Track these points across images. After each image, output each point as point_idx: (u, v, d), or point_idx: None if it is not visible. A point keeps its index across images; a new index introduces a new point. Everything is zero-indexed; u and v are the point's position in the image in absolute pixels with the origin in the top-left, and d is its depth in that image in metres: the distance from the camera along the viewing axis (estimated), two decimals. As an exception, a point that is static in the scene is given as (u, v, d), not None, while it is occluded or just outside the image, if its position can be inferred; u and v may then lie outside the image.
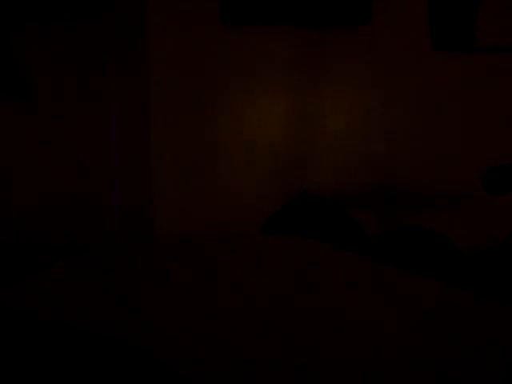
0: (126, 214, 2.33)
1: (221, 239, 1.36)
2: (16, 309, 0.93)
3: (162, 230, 2.36)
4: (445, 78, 2.39)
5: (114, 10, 2.24)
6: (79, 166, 2.24)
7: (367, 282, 1.07)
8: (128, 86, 2.31)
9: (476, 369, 0.75)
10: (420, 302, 0.98)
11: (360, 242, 2.13)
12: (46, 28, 2.15)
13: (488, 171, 1.91)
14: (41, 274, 1.10)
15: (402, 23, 2.37)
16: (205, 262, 1.18)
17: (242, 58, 2.36)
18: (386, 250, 2.07)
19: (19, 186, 2.16)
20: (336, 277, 1.10)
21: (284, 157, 2.40)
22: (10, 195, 2.14)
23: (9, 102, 2.13)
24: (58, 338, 0.85)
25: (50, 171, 2.21)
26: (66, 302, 0.95)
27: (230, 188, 2.39)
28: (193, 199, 2.39)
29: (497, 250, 2.24)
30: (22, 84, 2.13)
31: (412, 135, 2.41)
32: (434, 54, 2.37)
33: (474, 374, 0.74)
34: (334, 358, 0.77)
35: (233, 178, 2.39)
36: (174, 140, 2.37)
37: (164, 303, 0.95)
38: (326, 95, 2.39)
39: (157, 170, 2.37)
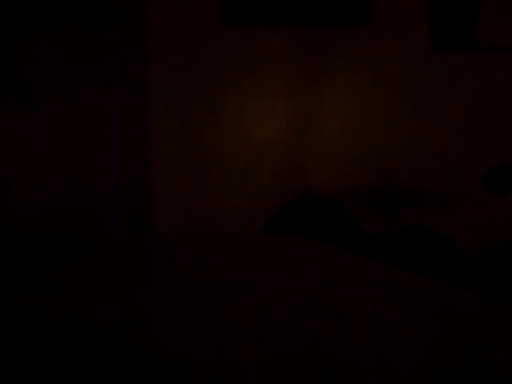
0: (126, 214, 2.32)
1: (221, 239, 1.36)
2: (16, 309, 0.93)
3: (162, 229, 2.36)
4: (445, 78, 2.39)
5: (114, 10, 2.24)
6: (79, 166, 2.24)
7: (367, 282, 1.07)
8: (128, 85, 2.31)
9: (476, 369, 0.75)
10: (420, 302, 0.98)
11: (361, 241, 2.13)
12: (46, 28, 2.15)
13: (488, 171, 1.91)
14: (41, 273, 1.10)
15: (402, 23, 2.37)
16: (205, 262, 1.18)
17: (242, 58, 2.36)
18: (387, 250, 2.07)
19: (19, 185, 2.16)
20: (336, 277, 1.10)
21: (284, 157, 2.40)
22: (10, 195, 2.14)
23: (9, 102, 2.13)
24: (57, 338, 0.85)
25: (50, 171, 2.21)
26: (66, 302, 0.95)
27: (231, 188, 2.39)
28: (193, 199, 2.39)
29: (497, 250, 2.24)
30: (22, 84, 2.13)
31: (412, 135, 2.41)
32: (434, 54, 2.37)
33: (474, 374, 0.74)
34: (334, 358, 0.77)
35: (233, 178, 2.39)
36: (174, 140, 2.37)
37: (164, 303, 0.95)
38: (325, 95, 2.39)
39: (157, 170, 2.37)
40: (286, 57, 2.36)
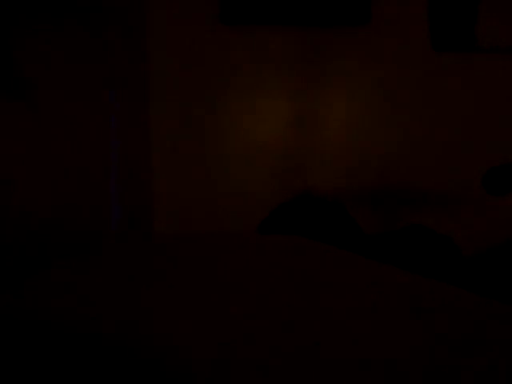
0: (126, 214, 2.32)
1: (220, 239, 1.36)
2: (16, 309, 0.93)
3: (162, 230, 2.36)
4: (445, 78, 2.39)
5: (114, 10, 2.24)
6: (79, 166, 2.24)
7: (367, 282, 1.07)
8: (128, 85, 2.31)
9: (476, 368, 0.75)
10: (420, 302, 0.98)
11: (359, 240, 2.12)
12: (46, 28, 2.15)
13: (488, 171, 1.91)
14: (41, 274, 1.10)
15: (401, 23, 2.36)
16: (205, 261, 1.18)
17: (242, 58, 2.36)
18: (387, 250, 2.07)
19: (19, 185, 2.16)
20: (336, 277, 1.10)
21: (284, 157, 2.40)
22: (9, 195, 2.14)
23: (9, 102, 2.13)
24: (57, 337, 0.85)
25: (50, 171, 2.21)
26: (66, 302, 0.95)
27: (231, 188, 2.39)
28: (193, 199, 2.39)
29: (497, 250, 2.24)
30: (22, 84, 2.13)
31: (412, 135, 2.41)
32: (434, 54, 2.37)
33: (474, 374, 0.74)
34: (333, 358, 0.77)
35: (233, 178, 2.39)
36: (174, 141, 2.37)
37: (164, 303, 0.95)
38: (325, 95, 2.39)
39: (157, 170, 2.37)
40: (286, 57, 2.36)
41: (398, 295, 0.99)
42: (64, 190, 2.22)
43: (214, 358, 0.76)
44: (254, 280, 1.05)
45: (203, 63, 2.35)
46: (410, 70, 2.38)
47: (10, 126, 2.14)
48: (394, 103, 2.40)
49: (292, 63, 2.36)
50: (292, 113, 2.39)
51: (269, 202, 2.31)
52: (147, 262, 1.18)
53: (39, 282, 1.05)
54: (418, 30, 2.36)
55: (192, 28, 2.33)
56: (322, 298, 0.97)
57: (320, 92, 2.38)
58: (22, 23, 2.12)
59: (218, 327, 0.85)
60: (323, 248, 1.29)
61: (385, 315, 0.90)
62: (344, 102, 2.40)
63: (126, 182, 2.33)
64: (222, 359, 0.76)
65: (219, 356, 0.77)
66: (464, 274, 2.08)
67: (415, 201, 2.41)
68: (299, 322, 0.87)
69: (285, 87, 2.38)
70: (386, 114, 2.40)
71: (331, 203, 2.19)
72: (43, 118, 2.19)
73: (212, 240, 1.34)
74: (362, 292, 1.01)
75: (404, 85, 2.39)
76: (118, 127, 2.30)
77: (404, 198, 2.41)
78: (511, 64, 2.39)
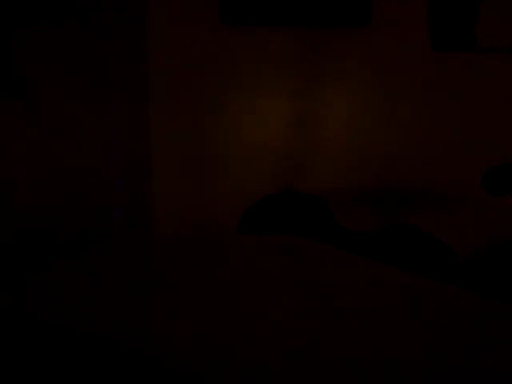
0: (126, 214, 2.32)
1: (220, 239, 1.37)
2: (16, 309, 0.93)
3: (162, 229, 2.36)
4: (445, 78, 2.39)
5: (115, 10, 2.24)
6: (79, 166, 2.24)
7: (367, 282, 1.07)
8: (128, 86, 2.31)
9: (476, 368, 0.75)
10: (420, 302, 0.98)
11: (338, 236, 2.12)
12: (46, 28, 2.15)
13: (488, 171, 1.91)
14: (41, 274, 1.10)
15: (401, 23, 2.36)
16: (205, 261, 1.18)
17: (242, 58, 2.36)
18: (367, 248, 2.07)
19: (20, 186, 2.16)
20: (336, 277, 1.10)
21: (284, 157, 2.39)
22: (10, 195, 2.14)
23: (9, 102, 2.13)
24: (57, 338, 0.85)
25: (50, 171, 2.21)
26: (66, 302, 0.95)
27: (231, 188, 2.39)
28: (193, 199, 2.39)
29: (497, 251, 2.24)
30: (22, 84, 2.13)
31: (412, 135, 2.41)
32: (434, 54, 2.37)
33: (473, 374, 0.74)
34: (333, 358, 0.77)
35: (233, 178, 2.39)
36: (175, 141, 2.37)
37: (164, 304, 0.95)
38: (326, 95, 2.39)
39: (157, 170, 2.37)
40: (286, 57, 2.36)
41: (398, 295, 0.99)
42: (64, 190, 2.22)
43: (214, 358, 0.76)
44: (254, 280, 1.05)
45: (203, 63, 2.35)
46: (410, 69, 2.38)
47: (10, 126, 2.14)
48: (393, 103, 2.40)
49: (292, 63, 2.36)
50: (292, 113, 2.39)
51: (269, 202, 2.31)
52: (147, 262, 1.18)
53: (39, 282, 1.05)
54: (418, 30, 2.36)
55: (192, 28, 2.33)
56: (322, 298, 0.97)
57: (320, 92, 2.38)
58: (22, 23, 2.12)
59: (217, 327, 0.85)
60: (323, 248, 1.29)
61: (385, 315, 0.90)
62: (344, 102, 2.40)
63: (126, 182, 2.33)
64: (222, 359, 0.76)
65: (219, 356, 0.77)
66: (447, 273, 2.08)
67: (415, 201, 2.41)
68: (299, 322, 0.87)
69: (285, 87, 2.38)
70: (386, 113, 2.40)
71: (310, 198, 2.19)
72: (43, 118, 2.19)
73: (212, 240, 1.34)
74: (362, 292, 1.01)
75: (404, 85, 2.39)
76: (118, 127, 2.30)
77: (404, 198, 2.41)
78: (511, 64, 2.39)
